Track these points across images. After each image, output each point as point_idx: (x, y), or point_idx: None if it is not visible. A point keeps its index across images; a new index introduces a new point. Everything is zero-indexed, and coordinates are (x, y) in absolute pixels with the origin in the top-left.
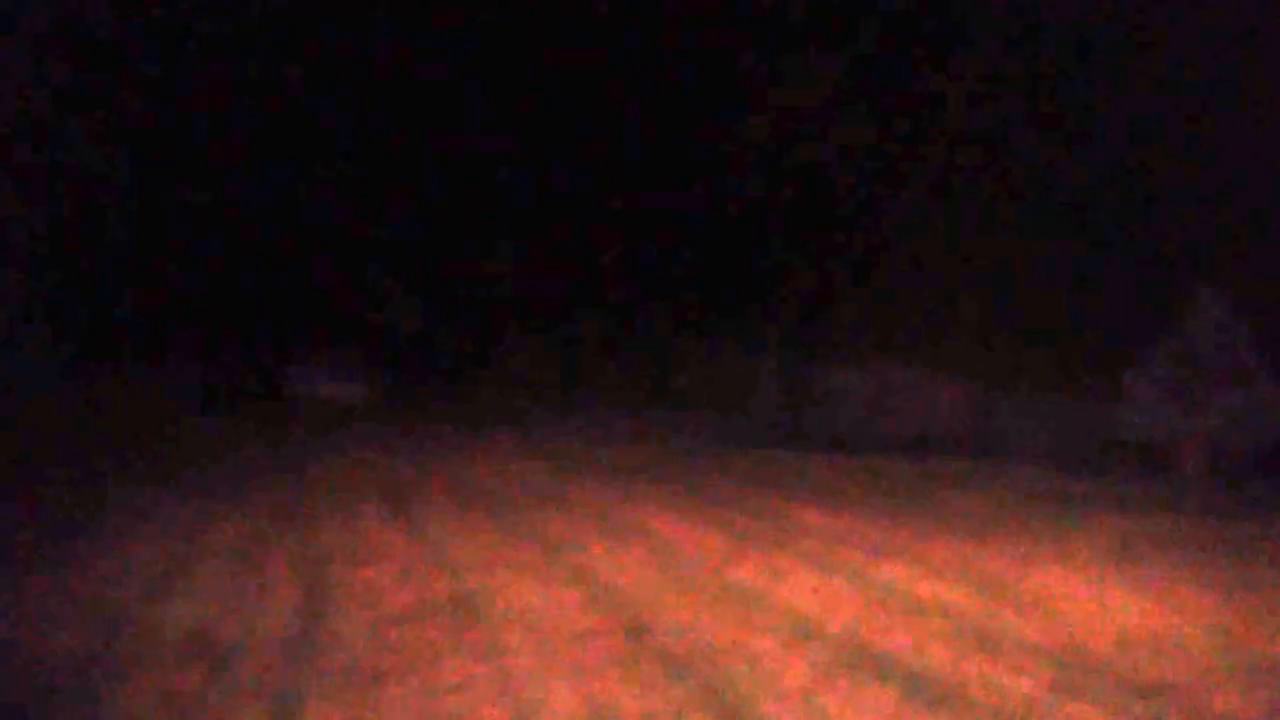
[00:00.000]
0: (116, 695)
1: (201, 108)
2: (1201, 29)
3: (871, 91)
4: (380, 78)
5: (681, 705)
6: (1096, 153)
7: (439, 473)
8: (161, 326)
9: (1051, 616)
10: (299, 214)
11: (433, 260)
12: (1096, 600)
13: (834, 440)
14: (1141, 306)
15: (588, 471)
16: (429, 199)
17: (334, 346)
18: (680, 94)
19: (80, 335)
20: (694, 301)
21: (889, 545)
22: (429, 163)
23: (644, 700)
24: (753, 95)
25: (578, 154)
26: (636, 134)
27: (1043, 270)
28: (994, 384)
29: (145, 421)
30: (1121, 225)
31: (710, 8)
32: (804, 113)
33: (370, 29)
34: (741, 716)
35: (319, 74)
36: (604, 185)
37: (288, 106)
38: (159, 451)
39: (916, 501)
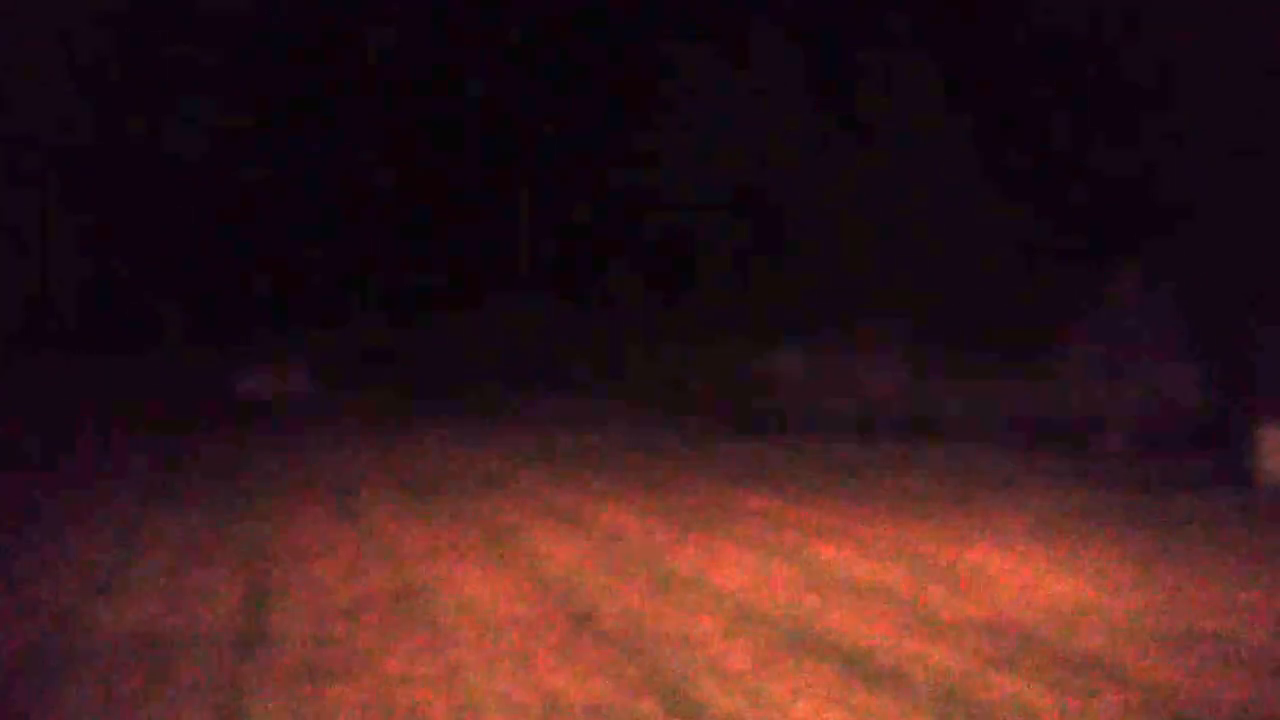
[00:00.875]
0: (59, 696)
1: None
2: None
3: (812, 86)
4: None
5: (626, 690)
6: (1028, 133)
7: (387, 464)
8: (108, 325)
9: (984, 593)
10: (267, 213)
11: (395, 264)
12: (1026, 576)
13: (778, 424)
14: (1072, 286)
15: (536, 461)
16: (402, 204)
17: (285, 343)
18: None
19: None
20: (645, 294)
21: (828, 527)
22: (401, 169)
23: (589, 687)
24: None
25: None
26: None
27: (979, 251)
28: (933, 366)
29: (91, 420)
30: (1053, 206)
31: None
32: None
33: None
34: (685, 699)
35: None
36: (578, 188)
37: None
38: (102, 450)
39: (856, 483)
